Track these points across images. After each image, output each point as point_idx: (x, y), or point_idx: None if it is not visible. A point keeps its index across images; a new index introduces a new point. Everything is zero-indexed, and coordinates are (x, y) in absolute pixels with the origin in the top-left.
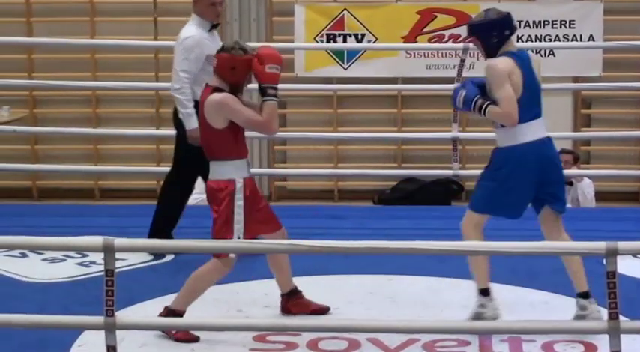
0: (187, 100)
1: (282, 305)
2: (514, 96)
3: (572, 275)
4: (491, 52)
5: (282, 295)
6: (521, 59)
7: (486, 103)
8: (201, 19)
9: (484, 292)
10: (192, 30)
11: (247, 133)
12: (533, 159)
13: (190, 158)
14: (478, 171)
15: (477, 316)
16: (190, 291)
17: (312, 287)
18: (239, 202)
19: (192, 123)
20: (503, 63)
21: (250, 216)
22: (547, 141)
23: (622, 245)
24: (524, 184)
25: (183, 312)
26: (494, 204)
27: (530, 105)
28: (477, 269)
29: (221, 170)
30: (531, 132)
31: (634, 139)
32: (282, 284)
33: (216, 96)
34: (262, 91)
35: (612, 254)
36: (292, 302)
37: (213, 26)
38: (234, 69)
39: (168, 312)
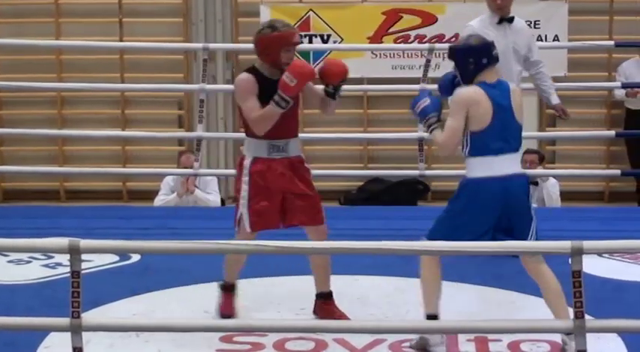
0: None
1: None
2: (459, 129)
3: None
4: (466, 78)
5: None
6: (499, 90)
7: (434, 126)
8: (490, 11)
9: (433, 317)
10: (475, 21)
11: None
12: (490, 196)
13: None
14: (444, 172)
15: (422, 343)
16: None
17: (279, 288)
18: (245, 178)
19: None
20: (467, 93)
21: (260, 195)
22: (511, 179)
23: (587, 244)
24: (476, 220)
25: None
26: (447, 236)
27: (496, 139)
28: (427, 294)
29: (245, 146)
30: (495, 166)
31: (599, 139)
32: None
33: (239, 75)
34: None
35: (578, 253)
36: (320, 305)
37: (506, 20)
38: (264, 48)
39: (222, 287)
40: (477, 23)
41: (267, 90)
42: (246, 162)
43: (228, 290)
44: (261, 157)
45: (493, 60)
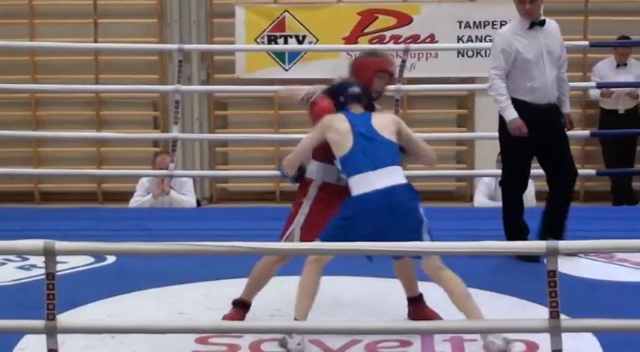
0: (498, 95)
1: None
2: (306, 147)
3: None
4: (339, 109)
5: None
6: (360, 118)
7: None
8: (519, 16)
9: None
10: (505, 27)
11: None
12: (373, 206)
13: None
14: (428, 172)
15: (282, 343)
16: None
17: None
18: (308, 201)
19: (509, 114)
20: (330, 118)
21: (320, 218)
22: (393, 189)
23: (563, 244)
24: (360, 229)
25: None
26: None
27: (362, 161)
28: (303, 299)
29: (310, 168)
30: (374, 181)
31: (577, 139)
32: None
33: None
34: None
35: (553, 253)
36: (412, 308)
37: (538, 24)
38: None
39: (236, 303)
40: (508, 30)
41: None
42: (314, 186)
43: (242, 307)
44: (330, 183)
45: (353, 97)
